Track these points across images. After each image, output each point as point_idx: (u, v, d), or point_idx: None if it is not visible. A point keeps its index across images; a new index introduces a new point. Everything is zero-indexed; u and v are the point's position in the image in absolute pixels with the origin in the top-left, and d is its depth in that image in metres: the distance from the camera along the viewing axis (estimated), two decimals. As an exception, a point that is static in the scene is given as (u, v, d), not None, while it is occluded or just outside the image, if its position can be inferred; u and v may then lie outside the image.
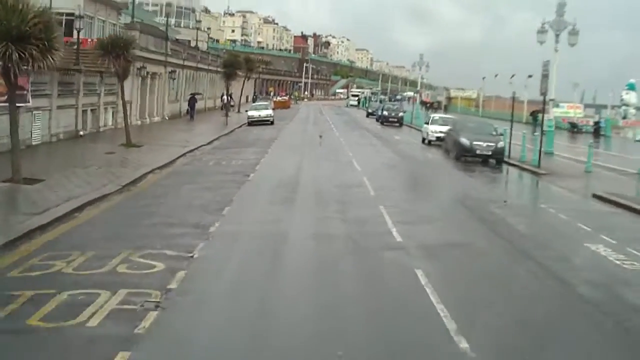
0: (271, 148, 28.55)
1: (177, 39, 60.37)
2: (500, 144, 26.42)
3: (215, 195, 15.83)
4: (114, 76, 28.20)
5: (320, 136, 36.36)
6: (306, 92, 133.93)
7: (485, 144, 26.02)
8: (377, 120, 56.18)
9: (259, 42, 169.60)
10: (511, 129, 29.71)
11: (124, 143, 26.51)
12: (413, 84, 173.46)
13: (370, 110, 67.02)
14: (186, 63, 51.62)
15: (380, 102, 79.21)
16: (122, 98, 26.99)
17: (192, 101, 48.73)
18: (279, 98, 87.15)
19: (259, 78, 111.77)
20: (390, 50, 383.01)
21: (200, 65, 57.20)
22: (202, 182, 18.44)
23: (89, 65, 29.03)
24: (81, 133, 29.18)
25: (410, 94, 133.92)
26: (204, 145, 29.81)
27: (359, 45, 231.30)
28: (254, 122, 45.44)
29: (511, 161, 26.52)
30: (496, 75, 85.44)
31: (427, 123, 35.11)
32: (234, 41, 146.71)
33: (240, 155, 25.45)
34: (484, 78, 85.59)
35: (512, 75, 77.65)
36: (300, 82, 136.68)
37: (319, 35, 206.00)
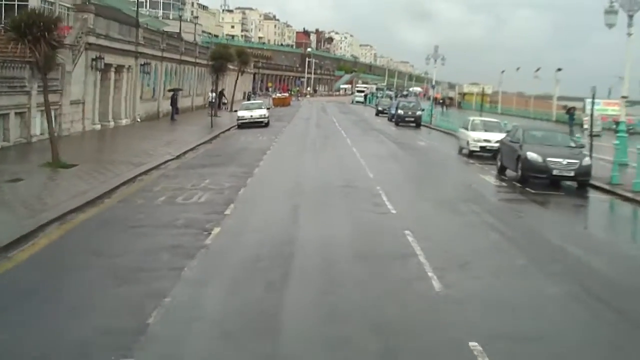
0: (259, 167, 20.34)
1: (164, 31, 52.44)
2: (586, 161, 18.49)
3: (121, 309, 7.70)
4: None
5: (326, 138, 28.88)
6: (309, 88, 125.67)
7: (565, 161, 18.06)
8: (390, 119, 49.24)
9: (260, 38, 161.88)
10: (591, 139, 21.75)
11: (49, 161, 18.61)
12: (419, 79, 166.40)
13: (380, 108, 59.72)
14: (166, 55, 43.35)
15: (391, 98, 71.04)
16: (45, 97, 19.07)
17: (173, 99, 40.93)
18: (278, 95, 79.32)
19: (259, 73, 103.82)
20: (394, 46, 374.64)
21: (184, 58, 48.97)
22: (121, 253, 10.36)
23: (6, 54, 21.02)
24: (-3, 147, 21.24)
25: (418, 89, 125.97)
26: (170, 160, 21.87)
27: (362, 41, 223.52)
28: (245, 125, 37.73)
29: (598, 184, 18.57)
30: (518, 69, 77.20)
31: (466, 128, 26.92)
32: (233, 37, 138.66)
33: (211, 182, 17.30)
34: (502, 72, 77.10)
35: (537, 69, 69.87)
36: (303, 77, 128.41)
37: (322, 32, 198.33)
